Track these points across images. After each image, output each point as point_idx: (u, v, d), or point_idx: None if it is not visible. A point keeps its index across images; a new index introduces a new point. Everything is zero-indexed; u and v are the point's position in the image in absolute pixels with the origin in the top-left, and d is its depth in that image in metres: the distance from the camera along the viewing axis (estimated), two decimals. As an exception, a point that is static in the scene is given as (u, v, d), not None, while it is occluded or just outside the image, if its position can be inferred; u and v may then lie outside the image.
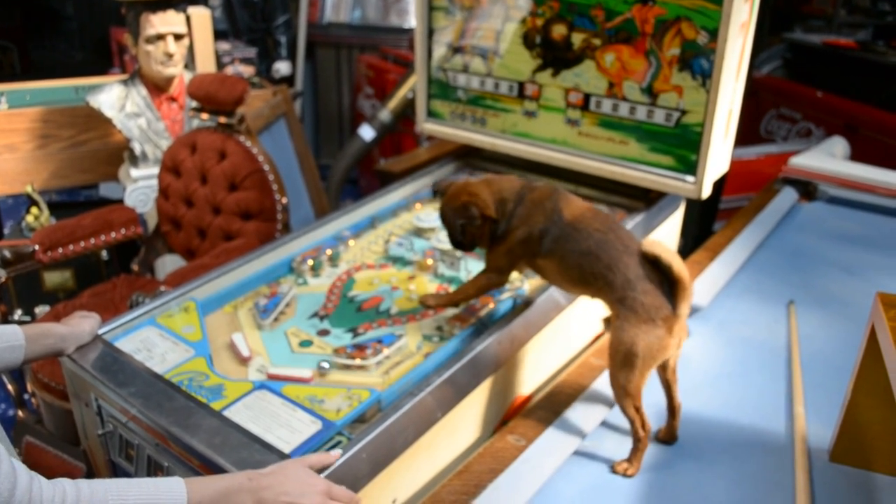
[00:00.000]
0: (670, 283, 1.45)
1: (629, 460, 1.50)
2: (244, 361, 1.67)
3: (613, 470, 1.51)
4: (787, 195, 2.83)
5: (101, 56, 7.56)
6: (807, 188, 2.91)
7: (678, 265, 1.43)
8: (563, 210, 1.59)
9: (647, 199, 2.40)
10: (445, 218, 1.74)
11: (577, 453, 1.55)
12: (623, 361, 1.45)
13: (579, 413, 1.63)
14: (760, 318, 2.06)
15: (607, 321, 1.58)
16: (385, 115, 4.35)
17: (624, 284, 1.46)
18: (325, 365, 1.63)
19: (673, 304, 1.44)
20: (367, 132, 4.39)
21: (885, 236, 2.58)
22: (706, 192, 2.24)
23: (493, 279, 1.72)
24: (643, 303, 1.44)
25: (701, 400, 1.72)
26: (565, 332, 2.00)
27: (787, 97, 4.81)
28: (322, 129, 5.75)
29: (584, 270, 1.53)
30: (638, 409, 1.47)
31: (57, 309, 2.52)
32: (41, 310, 2.66)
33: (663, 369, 1.55)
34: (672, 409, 1.58)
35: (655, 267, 1.46)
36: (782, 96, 4.84)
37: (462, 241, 1.74)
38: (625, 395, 1.47)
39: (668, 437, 1.59)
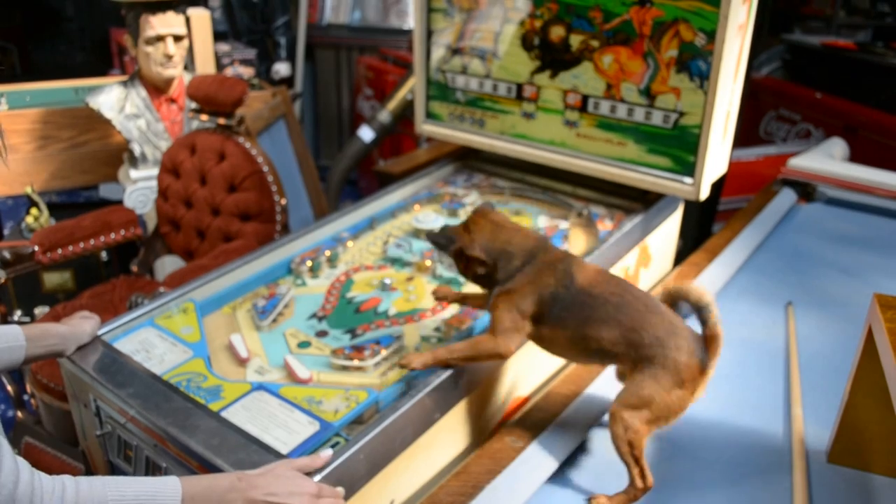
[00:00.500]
0: (705, 338, 1.37)
1: (611, 499, 1.40)
2: (242, 362, 1.67)
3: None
4: (786, 196, 2.82)
5: (102, 57, 7.57)
6: (805, 189, 2.89)
7: (714, 318, 1.35)
8: (576, 275, 1.47)
9: (645, 201, 2.39)
10: (438, 232, 1.64)
11: (575, 454, 1.55)
12: (640, 411, 1.36)
13: (577, 414, 1.62)
14: (758, 319, 2.06)
15: (622, 373, 1.52)
16: (384, 116, 4.34)
17: (653, 342, 1.36)
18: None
19: (704, 360, 1.36)
20: (366, 133, 4.39)
21: (883, 237, 2.58)
22: (704, 193, 2.23)
23: (498, 345, 1.49)
24: (676, 360, 1.35)
25: (699, 401, 1.69)
26: None
27: (786, 98, 4.80)
28: (322, 131, 5.75)
29: (601, 339, 1.41)
30: (638, 460, 1.37)
31: (56, 310, 2.52)
32: (41, 311, 2.66)
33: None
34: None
35: (677, 309, 1.40)
36: (781, 97, 4.83)
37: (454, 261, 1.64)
38: (631, 443, 1.36)
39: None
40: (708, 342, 1.37)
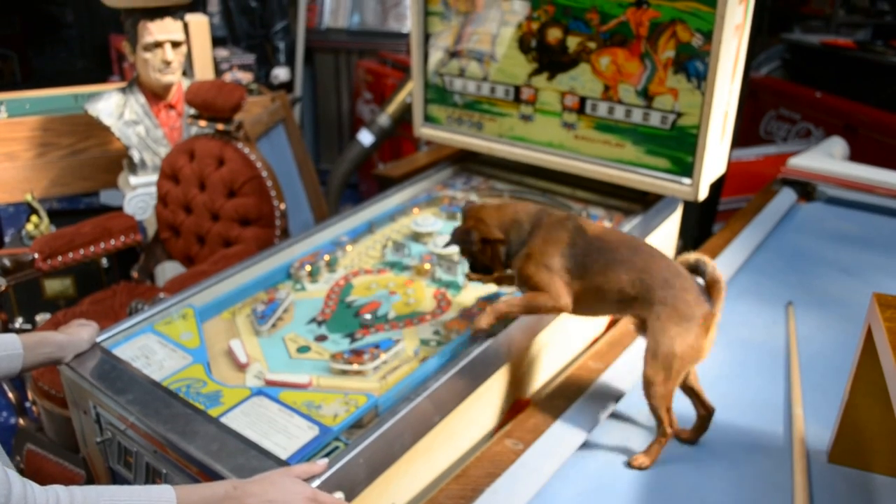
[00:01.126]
0: (707, 286, 1.48)
1: (646, 453, 1.51)
2: (242, 368, 1.67)
3: (629, 464, 1.51)
4: (786, 196, 2.82)
5: (101, 64, 7.58)
6: (805, 189, 2.89)
7: (713, 265, 1.47)
8: (586, 228, 1.57)
9: (644, 202, 2.39)
10: (452, 241, 1.72)
11: (575, 456, 1.55)
12: (663, 363, 1.44)
13: (577, 416, 1.62)
14: (759, 319, 2.06)
15: (640, 324, 1.57)
16: (384, 119, 4.34)
17: (663, 284, 1.46)
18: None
19: (710, 304, 1.46)
20: (366, 137, 4.39)
21: (884, 236, 2.57)
22: (703, 194, 2.23)
23: (544, 297, 1.56)
24: (685, 299, 1.44)
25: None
26: (563, 336, 1.99)
27: (786, 98, 4.80)
28: (321, 135, 5.75)
29: (621, 280, 1.50)
30: (669, 410, 1.48)
31: (57, 317, 2.52)
32: (42, 318, 2.66)
33: (687, 375, 1.54)
34: (706, 409, 1.57)
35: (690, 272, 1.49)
36: (781, 97, 4.83)
37: (473, 264, 1.72)
38: (659, 396, 1.46)
39: (692, 437, 1.59)
40: (710, 288, 1.47)
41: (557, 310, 1.58)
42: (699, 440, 1.59)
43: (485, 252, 1.66)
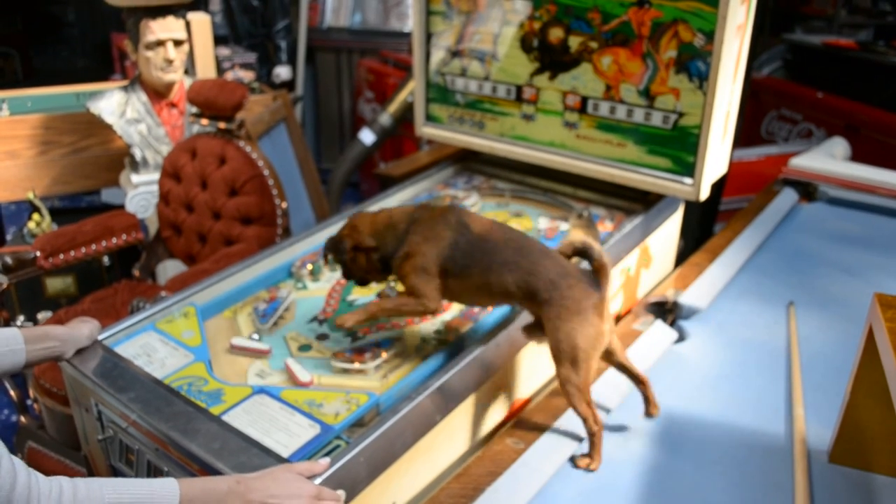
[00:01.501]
0: (593, 270, 1.49)
1: (590, 455, 1.52)
2: (262, 354, 1.70)
3: (576, 465, 1.52)
4: (788, 196, 2.81)
5: (103, 62, 7.58)
6: (807, 189, 2.89)
7: (598, 249, 1.48)
8: (470, 223, 1.58)
9: (645, 202, 2.39)
10: (326, 250, 1.71)
11: (576, 456, 1.54)
12: (570, 360, 1.47)
13: (578, 416, 1.60)
14: (760, 319, 2.06)
15: (528, 330, 1.60)
16: (385, 118, 4.34)
17: (548, 286, 1.48)
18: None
19: (598, 290, 1.48)
20: (367, 136, 4.39)
21: (885, 237, 2.57)
22: (704, 194, 2.23)
23: (412, 303, 1.59)
24: (571, 297, 1.47)
25: (700, 402, 1.71)
26: None
27: (787, 98, 4.80)
28: (323, 134, 5.75)
29: (505, 283, 1.52)
30: (589, 405, 1.48)
31: (59, 315, 2.53)
32: (43, 316, 2.67)
33: (609, 356, 1.57)
34: (640, 382, 1.61)
35: (578, 257, 1.52)
36: (783, 97, 4.83)
37: (346, 272, 1.72)
38: (577, 392, 1.47)
39: (653, 409, 1.61)
40: (597, 272, 1.49)
41: (425, 314, 1.60)
42: (659, 412, 1.62)
43: (356, 261, 1.66)
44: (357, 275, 1.70)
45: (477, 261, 1.54)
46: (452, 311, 1.90)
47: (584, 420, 1.49)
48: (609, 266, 1.48)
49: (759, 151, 4.10)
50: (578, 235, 1.50)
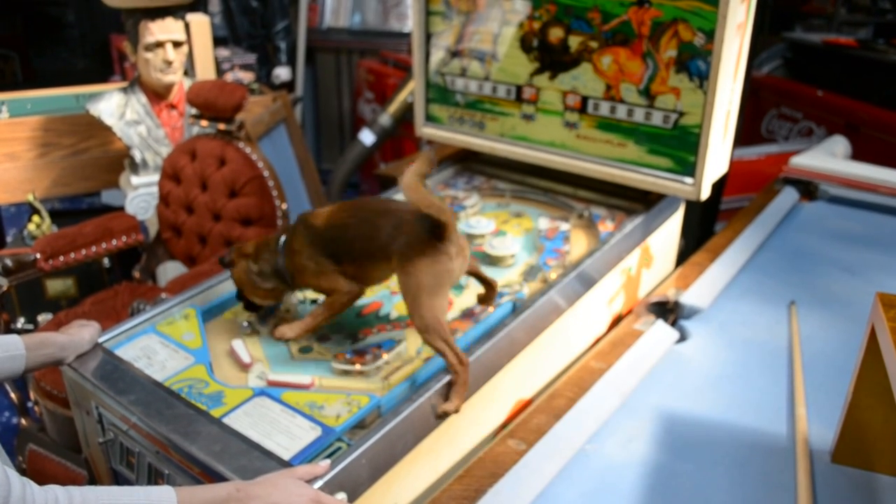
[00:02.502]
0: (433, 224, 1.51)
1: (451, 398, 1.54)
2: (244, 368, 1.67)
3: (439, 414, 1.54)
4: (788, 195, 2.80)
5: (103, 63, 7.58)
6: (808, 188, 2.88)
7: (433, 204, 1.47)
8: (312, 221, 1.66)
9: (646, 201, 2.38)
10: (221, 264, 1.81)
11: (578, 457, 1.54)
12: (414, 298, 1.51)
13: (580, 416, 1.62)
14: (761, 319, 2.05)
15: (482, 298, 1.75)
16: (385, 119, 4.35)
17: (388, 240, 1.55)
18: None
19: (440, 237, 1.51)
20: (367, 137, 4.39)
21: (886, 235, 2.56)
22: (705, 193, 2.23)
23: (336, 297, 1.67)
24: (410, 243, 1.52)
25: (702, 402, 1.71)
26: (565, 336, 1.99)
27: (787, 96, 4.79)
28: (323, 134, 5.76)
29: (363, 252, 1.60)
30: (447, 341, 1.51)
31: (59, 317, 2.53)
32: (44, 318, 2.67)
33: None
34: (490, 286, 1.76)
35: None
36: (783, 96, 4.82)
37: (240, 295, 1.79)
38: (427, 329, 1.51)
39: (486, 299, 1.78)
40: (438, 226, 1.50)
41: (353, 296, 1.67)
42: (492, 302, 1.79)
43: (253, 286, 1.72)
44: (247, 299, 1.78)
45: (335, 249, 1.62)
46: (453, 311, 1.89)
47: (443, 356, 1.52)
48: (447, 213, 1.49)
49: (760, 150, 4.10)
50: (416, 192, 1.48)
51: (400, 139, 4.73)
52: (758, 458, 1.53)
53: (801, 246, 2.48)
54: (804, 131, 4.64)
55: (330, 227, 1.64)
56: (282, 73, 5.23)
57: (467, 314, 1.88)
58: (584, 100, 2.36)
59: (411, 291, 1.52)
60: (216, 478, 1.30)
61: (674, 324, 2.01)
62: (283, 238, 1.70)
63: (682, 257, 2.66)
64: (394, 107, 4.34)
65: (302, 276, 1.68)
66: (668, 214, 2.41)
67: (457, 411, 1.53)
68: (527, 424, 1.60)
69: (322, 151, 5.78)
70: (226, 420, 1.45)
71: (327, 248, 1.63)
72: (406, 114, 4.31)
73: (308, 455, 1.38)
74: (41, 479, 2.25)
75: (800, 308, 2.08)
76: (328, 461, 1.31)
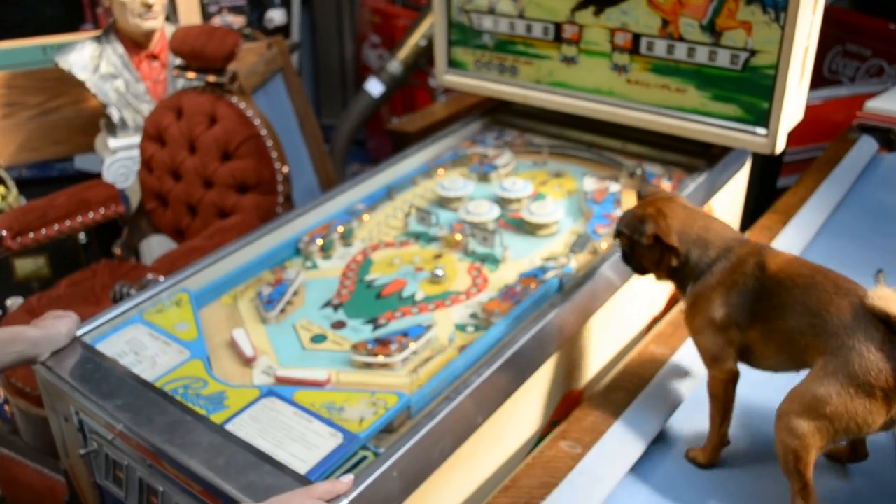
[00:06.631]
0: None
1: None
2: (248, 362, 1.65)
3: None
4: (866, 145, 2.76)
5: (72, 10, 7.51)
6: (888, 136, 2.82)
7: None
8: (768, 261, 1.43)
9: (708, 156, 2.34)
10: (620, 221, 1.60)
11: (644, 458, 1.50)
12: (807, 406, 1.28)
13: (642, 411, 1.59)
14: (846, 291, 1.98)
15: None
16: (395, 66, 4.32)
17: (839, 330, 1.28)
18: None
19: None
20: (374, 87, 4.37)
21: (984, 189, 2.52)
22: (780, 145, 2.17)
23: (717, 376, 1.47)
24: (862, 355, 1.25)
25: (783, 391, 1.62)
26: (621, 316, 1.96)
27: (854, 31, 4.70)
28: (323, 86, 5.76)
29: (789, 327, 1.36)
30: (802, 475, 1.29)
31: (31, 301, 2.55)
32: (13, 302, 2.71)
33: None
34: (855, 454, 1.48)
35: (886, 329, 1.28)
36: (849, 30, 4.73)
37: (628, 255, 1.59)
38: (790, 449, 1.29)
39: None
40: None
41: (724, 385, 1.47)
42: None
43: (651, 251, 1.52)
44: (639, 262, 1.57)
45: (764, 304, 1.40)
46: (489, 291, 1.87)
47: (791, 489, 1.31)
48: None
49: (824, 94, 4.01)
50: (887, 297, 1.27)
51: (412, 89, 4.71)
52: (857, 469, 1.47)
53: (886, 204, 2.43)
54: (874, 70, 4.54)
55: (776, 279, 1.40)
56: (275, 15, 5.19)
57: (507, 293, 1.83)
58: (636, 38, 2.30)
59: (817, 399, 1.27)
60: (219, 496, 1.27)
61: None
62: (728, 249, 1.47)
63: (746, 220, 2.63)
64: (404, 52, 4.29)
65: (699, 315, 1.47)
66: (735, 170, 2.36)
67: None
68: (580, 423, 1.57)
69: (322, 105, 5.79)
70: (229, 426, 1.42)
71: (754, 300, 1.42)
72: (419, 60, 4.28)
73: (328, 467, 1.34)
74: (15, 488, 2.23)
75: (890, 278, 2.02)
76: (351, 476, 1.27)
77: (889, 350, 1.24)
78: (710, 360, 1.46)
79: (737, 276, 1.43)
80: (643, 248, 1.51)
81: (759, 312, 1.40)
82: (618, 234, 1.57)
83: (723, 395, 1.46)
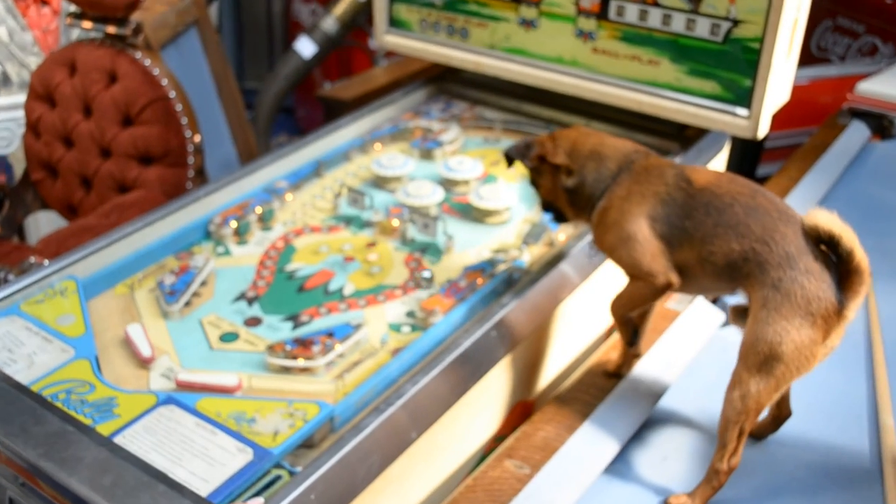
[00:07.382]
0: (843, 273, 1.37)
1: (692, 495, 1.46)
2: (144, 364, 1.63)
3: None
4: (856, 132, 2.83)
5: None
6: (880, 122, 2.90)
7: (860, 252, 1.36)
8: (691, 175, 1.52)
9: (682, 139, 2.38)
10: (507, 152, 1.76)
11: (600, 483, 1.52)
12: (761, 365, 1.38)
13: (601, 427, 1.61)
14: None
15: (736, 313, 1.56)
16: (329, 23, 4.34)
17: (781, 261, 1.38)
18: None
19: (841, 300, 1.36)
20: (305, 47, 4.39)
21: (982, 182, 2.60)
22: (763, 129, 2.22)
23: (639, 287, 1.57)
24: (803, 286, 1.35)
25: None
26: (579, 318, 1.97)
27: (846, 4, 4.79)
28: (247, 43, 5.74)
29: (730, 249, 1.44)
30: (742, 434, 1.41)
31: None
32: None
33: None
34: (780, 417, 1.61)
35: (823, 247, 1.40)
36: (841, 2, 4.82)
37: (544, 202, 1.72)
38: (744, 409, 1.40)
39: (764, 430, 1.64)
40: (846, 276, 1.37)
41: (658, 295, 1.56)
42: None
43: (541, 176, 1.67)
44: (544, 197, 1.72)
45: (698, 221, 1.48)
46: (430, 287, 1.88)
47: (721, 448, 1.43)
48: (867, 274, 1.37)
49: (811, 73, 4.09)
50: (828, 217, 1.37)
51: (348, 50, 4.76)
52: (834, 481, 1.53)
53: (876, 197, 2.50)
54: (866, 49, 4.64)
55: (708, 192, 1.48)
56: (191, -40, 5.11)
57: (449, 289, 1.84)
58: (605, 1, 2.33)
59: (761, 353, 1.38)
60: (106, 520, 1.26)
61: (716, 301, 2.00)
62: (629, 160, 1.60)
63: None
64: (340, 7, 4.32)
65: (612, 228, 1.56)
66: (711, 156, 2.37)
67: None
68: (530, 439, 1.60)
69: (246, 65, 5.79)
70: (118, 439, 1.41)
71: (683, 216, 1.49)
72: (357, 17, 4.31)
73: (235, 488, 1.33)
74: None
75: (878, 280, 2.03)
76: (261, 500, 1.28)
77: (828, 277, 1.36)
78: (640, 271, 1.54)
79: (654, 185, 1.54)
80: (536, 172, 1.69)
81: (691, 231, 1.48)
82: (506, 157, 1.74)
83: (638, 303, 1.60)
